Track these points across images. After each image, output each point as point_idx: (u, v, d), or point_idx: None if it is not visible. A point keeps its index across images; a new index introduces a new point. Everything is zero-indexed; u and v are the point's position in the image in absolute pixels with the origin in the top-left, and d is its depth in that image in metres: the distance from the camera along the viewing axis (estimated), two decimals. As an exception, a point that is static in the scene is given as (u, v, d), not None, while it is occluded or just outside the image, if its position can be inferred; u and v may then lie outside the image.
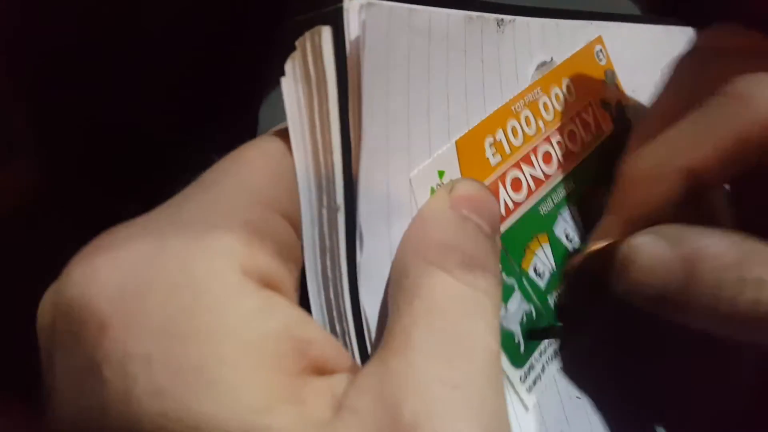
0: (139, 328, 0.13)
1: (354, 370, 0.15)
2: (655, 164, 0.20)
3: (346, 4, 0.15)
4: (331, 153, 0.16)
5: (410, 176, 0.18)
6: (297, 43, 0.16)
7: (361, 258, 0.16)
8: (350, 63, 0.16)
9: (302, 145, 0.16)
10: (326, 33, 0.16)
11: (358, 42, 0.16)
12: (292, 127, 0.16)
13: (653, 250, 0.18)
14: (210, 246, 0.14)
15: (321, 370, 0.14)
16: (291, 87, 0.16)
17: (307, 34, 0.16)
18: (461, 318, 0.15)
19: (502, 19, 0.21)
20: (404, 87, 0.17)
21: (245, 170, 0.16)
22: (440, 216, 0.16)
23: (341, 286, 0.16)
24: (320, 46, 0.16)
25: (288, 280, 0.15)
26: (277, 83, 0.16)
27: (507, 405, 0.15)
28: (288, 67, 0.16)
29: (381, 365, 0.14)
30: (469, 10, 0.20)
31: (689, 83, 0.22)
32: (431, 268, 0.15)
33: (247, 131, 0.18)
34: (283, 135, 0.16)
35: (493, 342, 0.15)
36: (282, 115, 0.17)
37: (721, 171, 0.19)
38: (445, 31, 0.19)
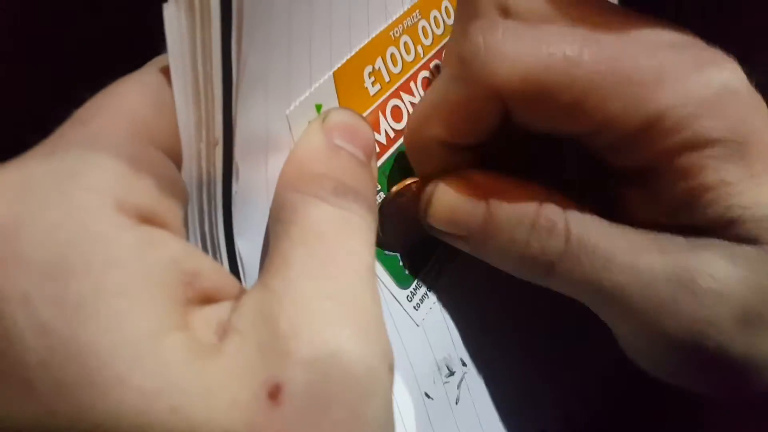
0: (14, 270, 0.12)
1: (239, 297, 0.15)
2: (411, 135, 0.20)
3: None
4: (212, 85, 0.15)
5: (287, 112, 0.18)
6: None
7: (235, 190, 0.16)
8: None
9: (182, 77, 0.15)
10: None
11: None
12: (173, 57, 0.15)
13: (453, 193, 0.19)
14: (82, 183, 0.13)
15: (209, 299, 0.14)
16: (173, 15, 0.15)
17: None
18: (335, 237, 0.15)
19: None
20: (286, 17, 0.17)
21: (121, 104, 0.15)
22: (313, 147, 0.17)
23: (216, 219, 0.16)
24: None
25: (173, 214, 0.15)
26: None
27: (385, 312, 0.15)
28: None
29: (261, 287, 0.14)
30: None
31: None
32: (306, 197, 0.16)
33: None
34: (161, 67, 0.16)
35: (367, 256, 0.16)
36: None
37: (466, 136, 0.19)
38: None
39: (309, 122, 0.18)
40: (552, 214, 0.18)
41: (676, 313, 0.17)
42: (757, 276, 0.17)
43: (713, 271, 0.17)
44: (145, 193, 0.14)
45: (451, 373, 0.22)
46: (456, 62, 0.18)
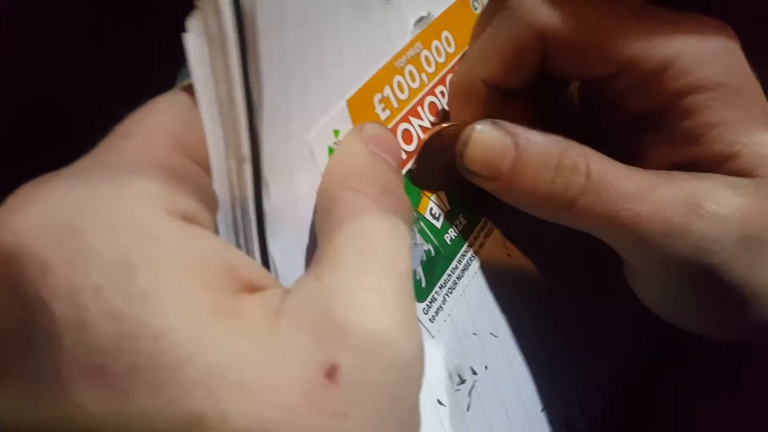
0: (83, 265, 0.14)
1: (282, 288, 0.16)
2: (460, 79, 0.23)
3: None
4: (235, 107, 0.17)
5: (308, 138, 0.19)
6: (197, 2, 0.17)
7: (268, 207, 0.18)
8: (249, 22, 0.17)
9: (207, 99, 0.17)
10: None
11: (254, 2, 0.17)
12: (197, 81, 0.17)
13: (489, 133, 0.22)
14: (135, 190, 0.15)
15: (254, 289, 0.16)
16: (194, 43, 0.17)
17: None
18: (381, 238, 0.17)
19: None
20: (299, 48, 0.18)
21: (158, 121, 0.17)
22: (356, 152, 0.19)
23: (250, 233, 0.18)
24: (220, 4, 0.16)
25: (208, 218, 0.17)
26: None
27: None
28: (191, 23, 0.16)
29: (314, 279, 0.16)
30: None
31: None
32: (357, 195, 0.17)
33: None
34: (191, 89, 0.17)
35: (408, 257, 0.17)
36: None
37: (511, 77, 0.22)
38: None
39: (330, 147, 0.20)
40: (575, 154, 0.21)
41: (686, 234, 0.20)
42: (753, 204, 0.20)
43: (717, 197, 0.20)
44: (186, 199, 0.16)
45: (462, 381, 0.23)
46: (504, 7, 0.21)
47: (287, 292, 0.16)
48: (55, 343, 0.13)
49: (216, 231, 0.17)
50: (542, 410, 0.25)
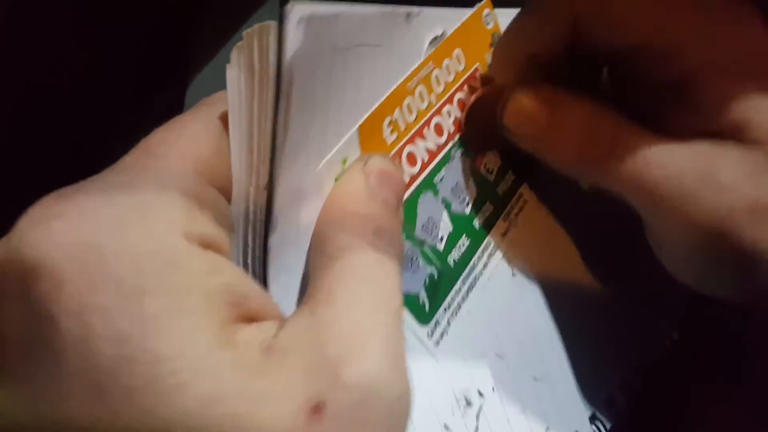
0: (97, 285, 0.14)
1: (281, 320, 0.17)
2: (501, 49, 0.25)
3: (288, 8, 0.17)
4: (265, 139, 0.17)
5: (318, 168, 0.19)
6: (245, 34, 0.17)
7: (272, 238, 0.18)
8: (285, 61, 0.17)
9: (239, 129, 0.17)
10: (274, 30, 0.17)
11: (294, 44, 0.17)
12: (232, 112, 0.17)
13: (525, 96, 0.24)
14: (158, 215, 0.15)
15: (252, 319, 0.16)
16: (234, 75, 0.17)
17: (257, 28, 0.17)
18: (373, 277, 0.17)
19: (410, 12, 0.23)
20: (326, 77, 0.19)
21: (188, 145, 0.18)
22: (355, 189, 0.19)
23: (257, 257, 0.18)
24: (268, 43, 0.17)
25: (225, 243, 0.17)
26: (203, 66, 0.17)
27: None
28: (234, 55, 0.17)
29: (308, 314, 0.16)
30: (383, 3, 0.21)
31: None
32: (350, 236, 0.18)
33: (173, 112, 0.19)
34: (221, 113, 0.18)
35: (398, 297, 0.18)
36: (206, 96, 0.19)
37: (546, 49, 0.24)
38: (364, 26, 0.20)
39: (337, 177, 0.20)
40: (602, 119, 0.23)
41: (699, 202, 0.21)
42: (764, 174, 0.21)
43: (729, 169, 0.21)
44: (206, 224, 0.16)
45: (469, 404, 0.23)
46: None
47: (282, 325, 0.16)
48: (58, 358, 0.14)
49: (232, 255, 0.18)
50: (550, 428, 0.25)
